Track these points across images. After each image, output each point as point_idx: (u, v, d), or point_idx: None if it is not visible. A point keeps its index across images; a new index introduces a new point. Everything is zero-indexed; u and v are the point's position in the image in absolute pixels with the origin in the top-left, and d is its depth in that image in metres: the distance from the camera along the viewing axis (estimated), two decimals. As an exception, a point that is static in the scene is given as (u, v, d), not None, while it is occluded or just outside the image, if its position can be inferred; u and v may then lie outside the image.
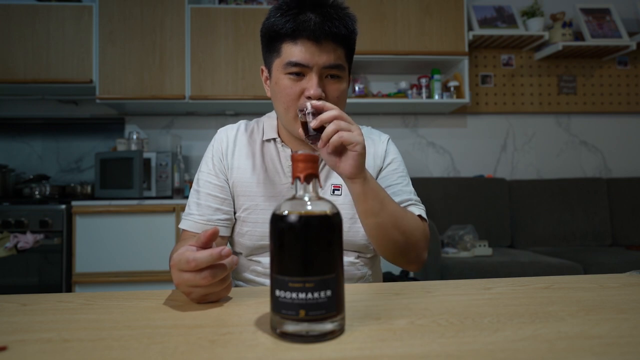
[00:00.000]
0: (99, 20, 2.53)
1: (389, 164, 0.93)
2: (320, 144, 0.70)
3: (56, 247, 2.22)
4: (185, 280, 0.55)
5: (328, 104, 0.72)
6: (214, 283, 0.55)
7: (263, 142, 0.92)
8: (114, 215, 2.28)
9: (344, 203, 0.88)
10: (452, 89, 2.74)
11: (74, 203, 2.27)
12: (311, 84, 0.79)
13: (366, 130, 0.98)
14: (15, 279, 2.21)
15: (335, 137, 0.69)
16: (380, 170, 0.93)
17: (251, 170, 0.90)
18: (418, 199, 0.92)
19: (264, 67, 0.89)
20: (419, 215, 0.87)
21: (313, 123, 0.70)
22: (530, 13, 2.83)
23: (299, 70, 0.79)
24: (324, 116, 0.70)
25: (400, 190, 0.89)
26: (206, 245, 0.57)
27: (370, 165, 0.92)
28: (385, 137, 0.97)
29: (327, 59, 0.79)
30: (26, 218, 2.21)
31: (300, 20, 0.77)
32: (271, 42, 0.82)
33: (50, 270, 2.22)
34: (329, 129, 0.69)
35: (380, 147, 0.94)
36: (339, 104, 0.83)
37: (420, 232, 0.83)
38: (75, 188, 2.66)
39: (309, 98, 0.79)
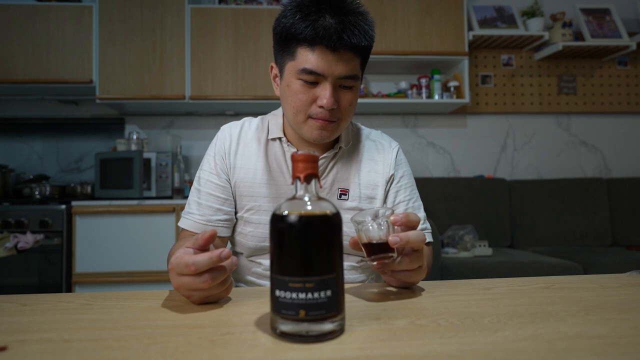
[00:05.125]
0: (99, 20, 2.53)
1: (401, 176, 0.93)
2: (380, 265, 0.59)
3: (56, 247, 2.22)
4: (184, 284, 0.54)
5: (412, 216, 0.59)
6: (214, 285, 0.54)
7: (268, 140, 0.90)
8: (114, 215, 2.28)
9: (350, 208, 0.88)
10: (452, 89, 2.74)
11: (74, 203, 2.27)
12: (325, 93, 0.77)
13: (377, 134, 0.98)
14: (15, 279, 2.21)
15: (397, 268, 0.59)
16: (390, 178, 0.92)
17: (255, 170, 0.88)
18: (426, 216, 0.94)
19: (274, 64, 0.86)
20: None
21: (394, 240, 0.55)
22: (530, 13, 2.83)
23: (313, 79, 0.77)
24: (413, 239, 0.57)
25: (412, 209, 0.92)
26: (204, 247, 0.56)
27: (379, 172, 0.91)
28: (395, 144, 0.96)
29: (343, 70, 0.76)
30: (26, 218, 2.21)
31: (319, 26, 0.73)
32: (286, 43, 0.78)
33: (50, 270, 2.22)
34: (405, 265, 0.59)
35: (390, 154, 0.93)
36: (349, 112, 0.83)
37: (431, 262, 0.87)
38: (75, 188, 2.66)
39: (322, 107, 0.78)
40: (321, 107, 0.78)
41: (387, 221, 0.57)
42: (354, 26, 0.75)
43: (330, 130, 0.82)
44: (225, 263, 0.54)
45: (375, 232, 0.57)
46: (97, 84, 2.52)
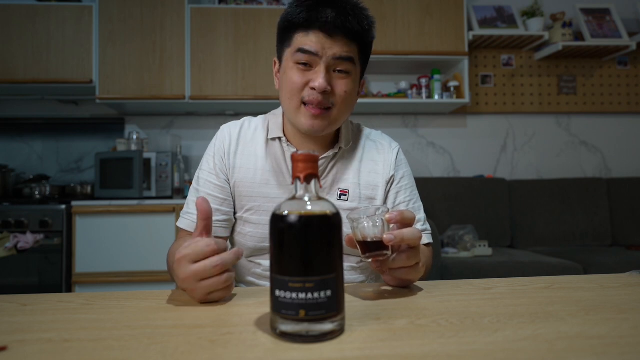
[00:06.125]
0: (99, 20, 2.53)
1: (402, 177, 0.93)
2: (377, 264, 0.60)
3: (56, 247, 2.22)
4: (194, 273, 0.54)
5: (407, 214, 0.60)
6: (219, 278, 0.55)
7: (268, 140, 0.90)
8: (114, 215, 2.28)
9: (350, 209, 0.87)
10: (452, 89, 2.74)
11: (74, 203, 2.27)
12: (318, 75, 0.77)
13: (377, 134, 0.97)
14: (15, 279, 2.21)
15: (394, 266, 0.60)
16: (390, 179, 0.92)
17: (254, 170, 0.88)
18: (426, 217, 0.94)
19: (276, 60, 0.88)
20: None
21: (389, 237, 0.56)
22: (530, 13, 2.83)
23: (308, 59, 0.78)
24: (408, 236, 0.58)
25: (412, 210, 0.92)
26: (204, 217, 0.59)
27: (380, 172, 0.91)
28: (395, 145, 0.96)
29: (338, 51, 0.78)
30: (26, 218, 2.21)
31: (314, 12, 0.76)
32: (284, 33, 0.81)
33: (50, 270, 2.22)
34: (401, 262, 0.60)
35: (390, 155, 0.93)
36: (345, 104, 0.82)
37: (430, 263, 0.87)
38: (75, 188, 2.65)
39: (314, 89, 0.78)
40: (313, 89, 0.78)
41: (382, 219, 0.58)
42: (349, 14, 0.77)
43: (323, 119, 0.81)
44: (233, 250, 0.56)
45: (370, 229, 0.58)
46: (97, 84, 2.52)
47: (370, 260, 0.59)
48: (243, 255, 0.91)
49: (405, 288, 0.66)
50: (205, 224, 0.59)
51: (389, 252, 0.58)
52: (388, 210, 0.59)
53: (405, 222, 0.59)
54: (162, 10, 2.56)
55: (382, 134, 0.99)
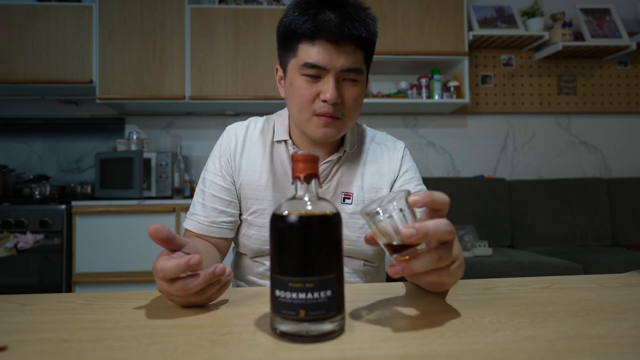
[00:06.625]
0: (99, 20, 2.53)
1: (405, 171, 0.92)
2: (394, 268, 0.45)
3: (56, 247, 2.22)
4: (162, 289, 0.53)
5: (437, 196, 0.46)
6: (190, 294, 0.51)
7: (273, 142, 0.89)
8: (114, 215, 2.28)
9: (354, 212, 0.87)
10: (452, 89, 2.74)
11: (74, 203, 2.27)
12: (327, 87, 0.76)
13: (381, 136, 0.97)
14: (15, 279, 2.21)
15: (422, 273, 0.46)
16: (395, 179, 0.91)
17: (260, 172, 0.87)
18: None
19: (278, 67, 0.86)
20: None
21: (409, 232, 0.42)
22: (530, 13, 2.83)
23: (316, 73, 0.76)
24: (433, 230, 0.43)
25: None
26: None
27: (385, 173, 0.91)
28: (400, 144, 0.95)
29: (346, 62, 0.76)
30: (26, 218, 2.21)
31: (319, 20, 0.73)
32: (287, 42, 0.79)
33: (50, 270, 2.22)
34: (429, 264, 0.45)
35: (395, 155, 0.92)
36: (354, 108, 0.81)
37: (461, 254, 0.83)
38: (75, 188, 2.66)
39: (325, 102, 0.77)
40: (325, 101, 0.77)
41: (406, 206, 0.45)
42: (354, 19, 0.74)
43: (334, 127, 0.80)
44: (203, 272, 0.51)
45: (392, 223, 0.45)
46: (97, 84, 2.52)
47: (399, 260, 0.46)
48: (247, 257, 0.91)
49: (430, 292, 0.60)
50: (169, 249, 0.56)
51: (424, 246, 0.45)
52: (409, 193, 0.46)
53: (435, 206, 0.46)
54: (162, 10, 2.56)
55: (387, 135, 0.98)
